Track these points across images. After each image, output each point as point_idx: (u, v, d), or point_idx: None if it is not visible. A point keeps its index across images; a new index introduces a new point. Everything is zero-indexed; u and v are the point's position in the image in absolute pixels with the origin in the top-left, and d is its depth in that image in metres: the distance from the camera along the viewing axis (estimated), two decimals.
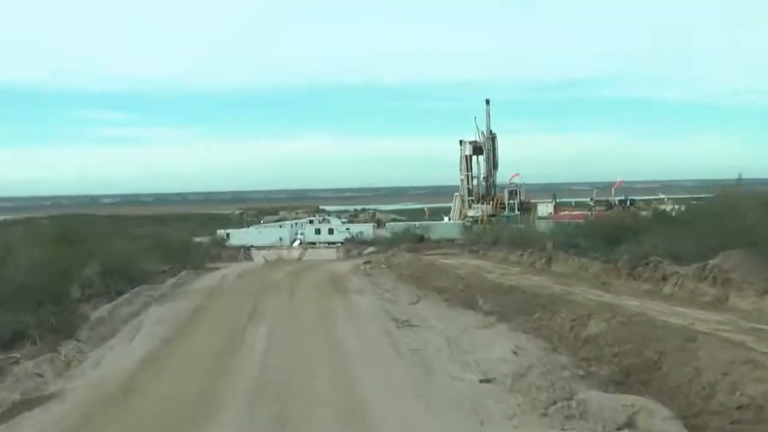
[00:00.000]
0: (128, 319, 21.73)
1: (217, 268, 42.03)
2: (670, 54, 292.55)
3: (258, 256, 57.07)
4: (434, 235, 70.44)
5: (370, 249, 63.58)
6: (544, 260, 32.11)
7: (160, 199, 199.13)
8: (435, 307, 22.37)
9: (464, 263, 35.69)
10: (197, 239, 64.60)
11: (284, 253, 54.10)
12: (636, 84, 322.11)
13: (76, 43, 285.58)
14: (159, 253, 39.54)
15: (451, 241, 72.17)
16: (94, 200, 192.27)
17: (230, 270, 39.93)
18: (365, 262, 38.72)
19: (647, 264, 24.80)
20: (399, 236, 66.83)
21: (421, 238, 66.90)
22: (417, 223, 75.38)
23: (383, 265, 36.23)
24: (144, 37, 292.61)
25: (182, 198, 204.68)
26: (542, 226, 62.67)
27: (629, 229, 30.01)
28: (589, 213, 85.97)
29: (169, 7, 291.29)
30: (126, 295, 25.11)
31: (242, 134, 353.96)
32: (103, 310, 22.29)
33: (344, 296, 25.84)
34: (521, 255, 35.20)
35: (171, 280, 33.10)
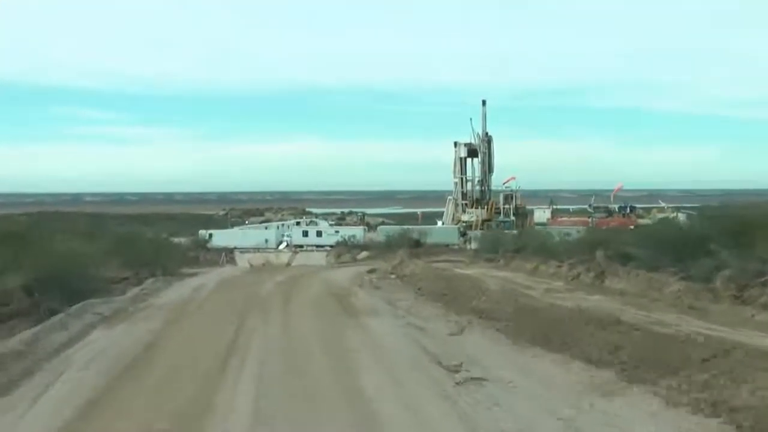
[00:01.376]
0: (52, 354, 14.47)
1: (195, 274, 34.77)
2: (657, 64, 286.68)
3: (242, 260, 49.76)
4: (431, 240, 63.62)
5: (364, 254, 56.51)
6: (593, 274, 25.11)
7: (145, 198, 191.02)
8: (489, 342, 15.25)
9: (487, 274, 28.67)
10: (176, 240, 57.34)
11: (272, 257, 46.76)
12: (624, 93, 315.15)
13: (63, 40, 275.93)
14: (124, 257, 32.28)
15: (446, 246, 65.71)
16: (77, 198, 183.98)
17: (209, 277, 32.67)
18: (369, 271, 31.54)
19: (765, 284, 17.94)
20: (394, 240, 59.94)
21: (417, 243, 59.99)
22: (413, 227, 68.52)
23: (392, 275, 29.08)
24: (133, 36, 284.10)
25: (168, 198, 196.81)
26: (553, 233, 55.91)
27: (704, 239, 23.20)
28: (590, 220, 79.53)
29: (159, 7, 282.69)
30: (61, 315, 17.86)
31: (229, 135, 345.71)
32: (21, 338, 15.10)
33: (356, 320, 18.64)
34: (558, 266, 28.21)
35: (134, 291, 25.87)
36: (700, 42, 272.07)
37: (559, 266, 28.09)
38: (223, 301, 23.02)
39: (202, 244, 60.60)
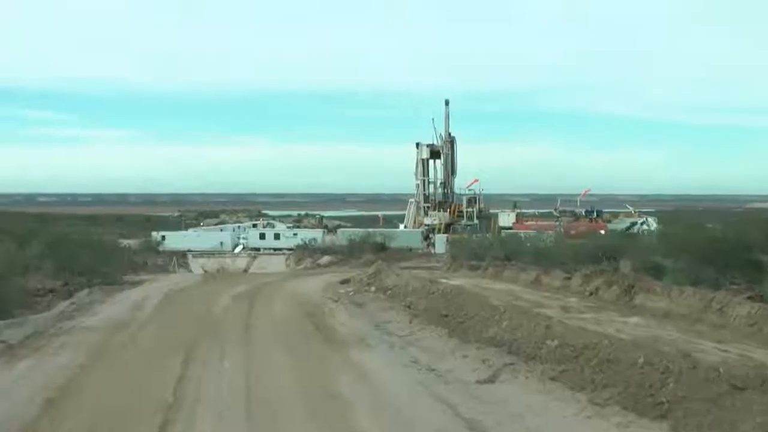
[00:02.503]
0: None
1: (141, 283, 29.30)
2: (604, 68, 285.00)
3: (196, 265, 44.22)
4: (394, 244, 58.64)
5: (326, 258, 51.30)
6: (617, 289, 20.24)
7: (99, 199, 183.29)
8: (545, 398, 10.30)
9: (480, 286, 23.69)
10: (124, 242, 51.57)
11: (227, 262, 41.21)
12: (572, 97, 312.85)
13: (12, 41, 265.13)
14: (57, 262, 26.74)
15: (409, 250, 60.83)
16: (30, 199, 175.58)
17: (156, 287, 27.19)
18: (343, 282, 26.33)
19: None
20: (357, 244, 54.86)
21: (382, 247, 54.94)
22: (377, 230, 63.39)
23: (371, 287, 23.90)
24: (84, 38, 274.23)
25: (121, 199, 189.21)
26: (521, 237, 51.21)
27: (746, 248, 18.60)
28: (558, 224, 75.13)
29: (109, 9, 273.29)
30: None
31: (183, 137, 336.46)
32: None
33: (341, 354, 13.50)
34: (567, 278, 23.30)
35: (60, 306, 20.47)
36: (650, 45, 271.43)
37: (568, 278, 23.18)
38: (167, 322, 17.67)
39: (153, 247, 54.79)
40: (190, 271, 43.61)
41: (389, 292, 22.52)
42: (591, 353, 12.19)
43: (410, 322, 17.33)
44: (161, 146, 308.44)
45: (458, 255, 34.88)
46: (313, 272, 36.91)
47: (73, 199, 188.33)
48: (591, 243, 27.39)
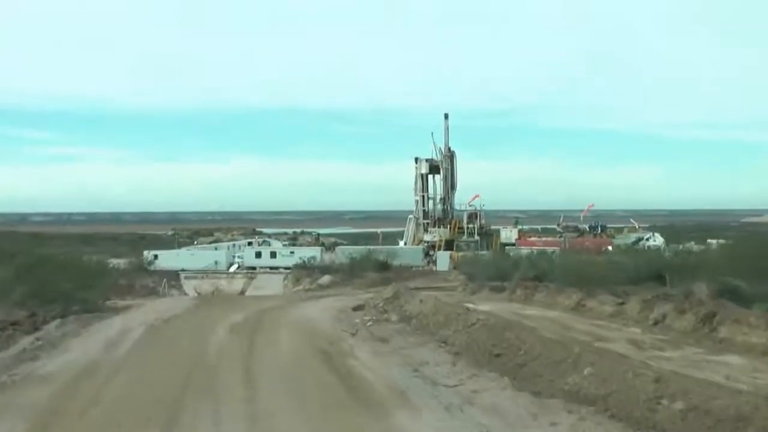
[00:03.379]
0: None
1: (126, 309, 25.32)
2: (605, 86, 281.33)
3: (189, 287, 40.16)
4: (397, 261, 54.68)
5: (326, 278, 47.26)
6: (692, 317, 16.37)
7: (93, 218, 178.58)
8: None
9: (517, 313, 19.82)
10: (114, 262, 47.49)
11: (222, 283, 37.07)
12: (571, 114, 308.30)
13: (6, 61, 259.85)
14: (27, 288, 22.77)
15: (411, 268, 56.87)
16: (24, 218, 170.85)
17: (140, 315, 23.17)
18: (356, 308, 22.34)
19: None
20: (358, 263, 50.94)
21: (385, 265, 51.00)
22: (377, 248, 59.37)
23: (392, 315, 19.96)
24: (76, 55, 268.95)
25: (115, 218, 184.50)
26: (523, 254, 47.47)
27: None
28: (562, 239, 71.28)
29: (104, 27, 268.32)
30: None
31: (178, 155, 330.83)
32: None
33: (381, 423, 9.56)
34: (620, 304, 19.44)
35: (22, 343, 16.54)
36: (645, 61, 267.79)
37: (621, 303, 19.31)
38: (144, 370, 13.66)
39: (144, 268, 50.69)
40: (185, 293, 39.47)
41: (414, 321, 18.60)
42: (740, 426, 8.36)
43: (454, 364, 13.41)
44: (156, 165, 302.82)
45: (475, 275, 30.90)
46: (316, 294, 32.90)
47: (67, 218, 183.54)
48: (638, 260, 23.56)
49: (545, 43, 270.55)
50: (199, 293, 36.38)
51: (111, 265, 44.37)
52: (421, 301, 20.44)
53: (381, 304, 21.59)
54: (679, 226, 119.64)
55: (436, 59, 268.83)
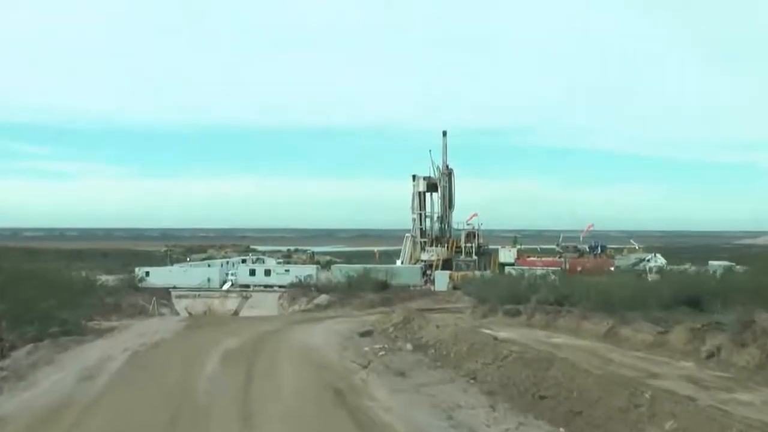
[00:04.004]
0: None
1: (110, 331, 22.91)
2: (591, 104, 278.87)
3: (180, 306, 37.65)
4: (395, 281, 52.28)
5: (323, 297, 44.80)
6: (757, 351, 14.06)
7: (86, 234, 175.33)
8: None
9: (541, 340, 17.51)
10: (102, 279, 45.02)
11: (215, 303, 34.55)
12: (558, 133, 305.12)
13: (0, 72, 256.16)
14: (4, 305, 20.31)
15: (409, 287, 54.47)
16: (16, 234, 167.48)
17: (124, 339, 20.71)
18: (363, 334, 19.91)
19: None
20: (356, 281, 48.52)
21: (384, 285, 48.59)
22: (376, 267, 56.83)
23: (406, 344, 17.56)
24: (71, 71, 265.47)
25: (108, 234, 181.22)
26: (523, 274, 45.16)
27: None
28: (562, 260, 68.88)
29: (98, 42, 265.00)
30: None
31: (171, 172, 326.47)
32: None
33: None
34: (662, 332, 17.11)
35: None
36: (634, 82, 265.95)
37: (663, 332, 16.99)
38: (124, 410, 11.23)
39: (134, 285, 48.13)
40: (176, 312, 36.93)
41: (432, 351, 16.22)
42: None
43: (493, 408, 11.04)
44: (149, 181, 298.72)
45: (486, 296, 28.52)
46: (315, 316, 30.43)
47: (60, 233, 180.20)
48: (676, 283, 21.26)
49: (540, 65, 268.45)
50: (190, 313, 33.87)
51: (99, 282, 41.91)
52: (437, 326, 18.07)
53: (391, 330, 19.23)
54: (673, 247, 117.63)
55: (431, 79, 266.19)
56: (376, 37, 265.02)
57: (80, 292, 30.66)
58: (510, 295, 25.95)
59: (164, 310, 37.91)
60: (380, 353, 16.25)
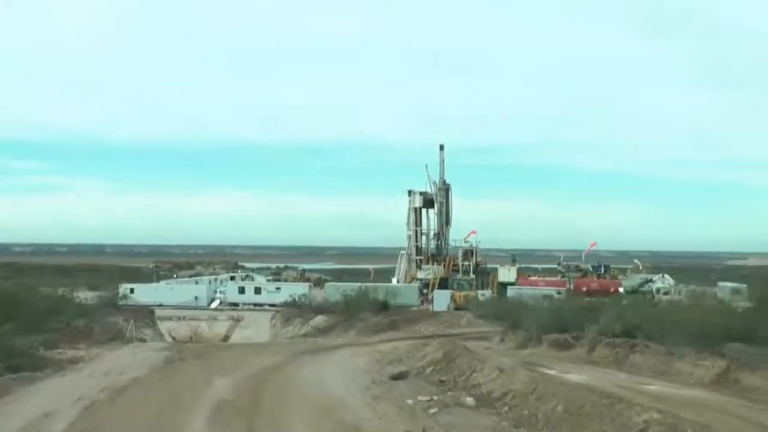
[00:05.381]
0: None
1: (69, 366, 17.71)
2: (586, 123, 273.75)
3: (163, 328, 32.34)
4: (394, 301, 47.18)
5: (320, 319, 39.61)
6: None
7: (75, 250, 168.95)
8: None
9: (630, 388, 12.51)
10: (82, 296, 39.74)
11: (203, 326, 29.22)
12: (552, 152, 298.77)
13: None
14: None
15: (406, 307, 49.44)
16: (5, 249, 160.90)
17: (84, 378, 15.55)
18: (396, 377, 14.77)
19: None
20: (354, 301, 43.33)
21: (385, 305, 43.49)
22: (372, 285, 51.57)
23: (462, 395, 12.50)
24: (59, 86, 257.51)
25: (98, 250, 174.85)
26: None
27: None
28: (567, 280, 64.02)
29: (87, 57, 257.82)
30: None
31: (161, 188, 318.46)
32: None
33: None
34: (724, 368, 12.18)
35: None
36: (629, 101, 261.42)
37: (724, 368, 12.09)
38: None
39: (114, 303, 42.89)
40: (160, 334, 31.61)
41: (506, 409, 11.17)
42: None
43: None
44: (138, 197, 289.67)
45: (519, 322, 23.47)
46: (321, 344, 25.16)
47: (49, 249, 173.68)
48: None
49: (533, 85, 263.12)
50: (174, 338, 28.66)
51: (77, 300, 36.57)
52: (500, 370, 13.01)
53: (430, 371, 14.15)
54: (663, 267, 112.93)
55: (423, 97, 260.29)
56: (365, 54, 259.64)
57: (47, 314, 25.47)
58: (554, 322, 20.92)
59: (147, 331, 32.58)
60: (431, 409, 11.26)
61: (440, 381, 13.39)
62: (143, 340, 26.80)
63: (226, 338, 28.17)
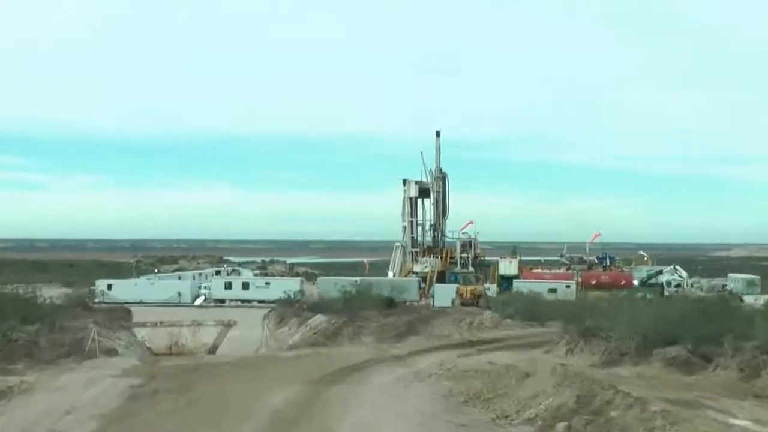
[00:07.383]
0: None
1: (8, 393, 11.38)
2: (570, 119, 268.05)
3: (140, 334, 25.83)
4: (399, 296, 41.14)
5: (319, 318, 33.23)
6: None
7: (56, 245, 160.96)
8: None
9: None
10: (47, 295, 32.73)
11: (185, 334, 22.63)
12: (536, 147, 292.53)
13: None
14: None
15: (406, 303, 43.45)
16: None
17: None
18: (463, 403, 8.53)
19: None
20: (356, 298, 36.93)
21: (390, 302, 37.28)
22: (369, 279, 45.37)
23: None
24: (42, 80, 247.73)
25: (80, 245, 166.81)
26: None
27: None
28: (574, 272, 58.28)
29: (70, 51, 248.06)
30: None
31: (143, 182, 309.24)
32: None
33: None
34: None
35: None
36: (615, 97, 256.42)
37: None
38: None
39: (84, 303, 36.37)
40: (139, 341, 24.96)
41: None
42: None
43: None
44: (120, 192, 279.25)
45: (601, 327, 17.26)
46: (338, 358, 18.92)
47: (30, 244, 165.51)
48: None
49: (523, 83, 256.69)
50: (150, 349, 22.25)
51: (41, 300, 29.66)
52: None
53: (480, 391, 8.25)
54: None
55: (410, 91, 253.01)
56: (354, 51, 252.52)
57: None
58: (660, 330, 14.81)
59: (122, 336, 25.88)
60: None
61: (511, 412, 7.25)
62: (112, 352, 20.45)
63: (213, 350, 21.79)
